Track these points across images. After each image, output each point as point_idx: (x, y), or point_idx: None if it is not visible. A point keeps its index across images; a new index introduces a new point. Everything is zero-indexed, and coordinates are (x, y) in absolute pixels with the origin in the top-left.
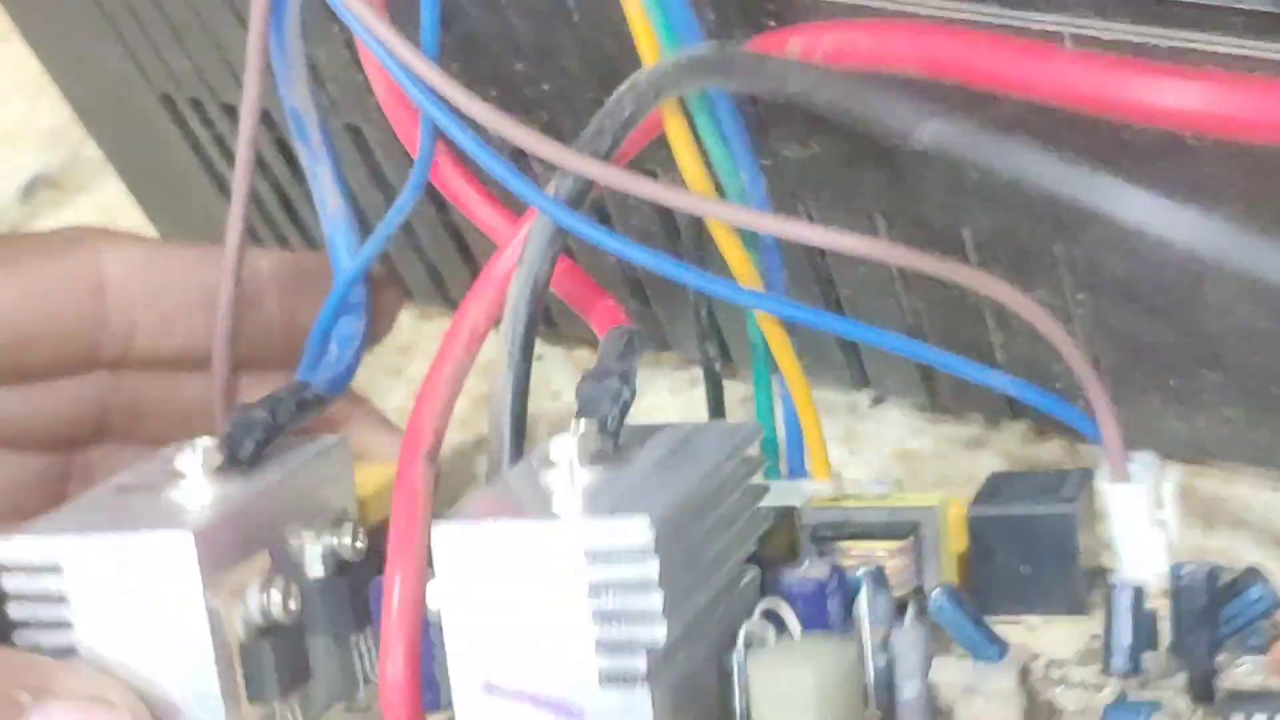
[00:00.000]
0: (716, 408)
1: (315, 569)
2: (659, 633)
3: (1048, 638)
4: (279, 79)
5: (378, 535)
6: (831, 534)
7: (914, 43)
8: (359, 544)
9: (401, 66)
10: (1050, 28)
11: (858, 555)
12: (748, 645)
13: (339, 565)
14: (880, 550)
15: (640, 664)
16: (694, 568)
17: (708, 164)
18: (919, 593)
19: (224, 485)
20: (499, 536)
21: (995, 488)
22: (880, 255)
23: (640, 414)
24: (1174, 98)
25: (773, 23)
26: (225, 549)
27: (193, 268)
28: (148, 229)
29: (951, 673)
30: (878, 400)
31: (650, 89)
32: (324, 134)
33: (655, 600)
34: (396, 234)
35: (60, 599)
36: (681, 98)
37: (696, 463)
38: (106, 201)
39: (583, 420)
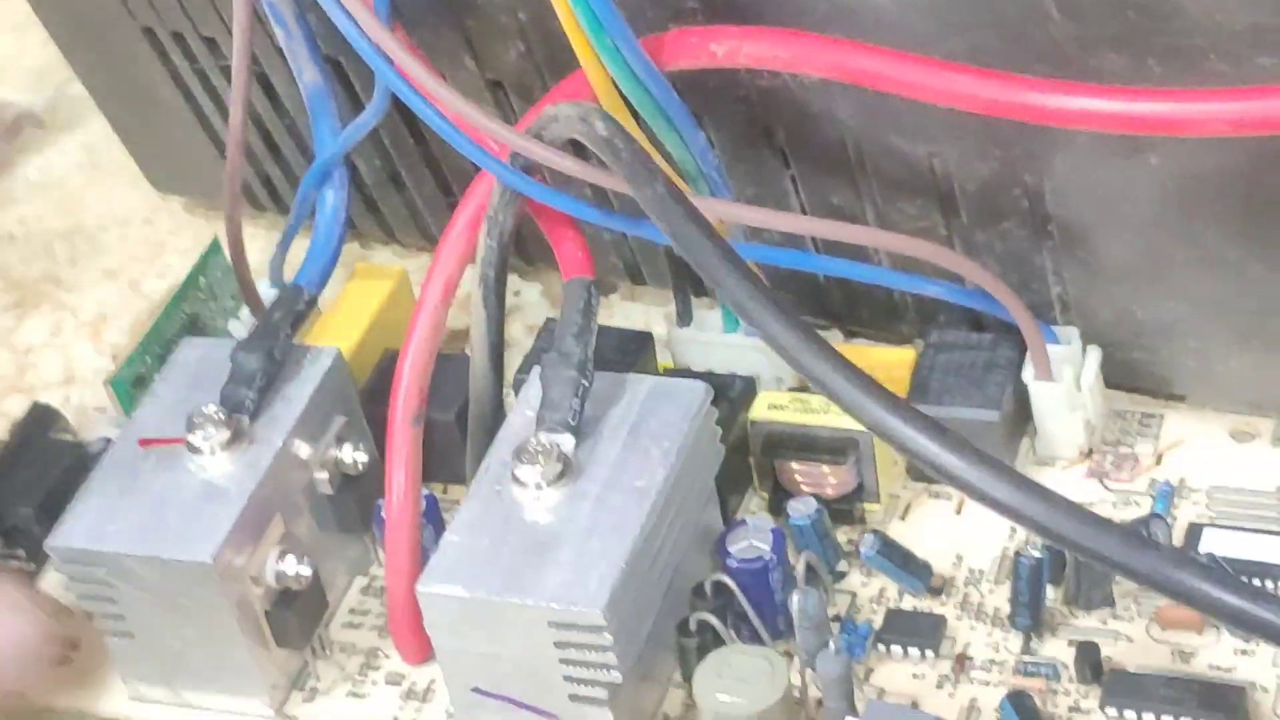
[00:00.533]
0: (683, 316)
1: (324, 489)
2: (614, 675)
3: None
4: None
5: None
6: (779, 451)
7: (826, 54)
8: (360, 456)
9: (361, 34)
10: None
11: (803, 474)
12: (700, 647)
13: (345, 479)
14: (824, 466)
15: (602, 693)
16: (652, 586)
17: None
18: (859, 492)
19: (237, 459)
20: (473, 608)
21: (924, 381)
22: (812, 230)
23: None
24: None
25: (697, 12)
26: (243, 543)
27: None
28: (130, 166)
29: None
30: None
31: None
32: (299, 19)
33: (610, 657)
34: (380, 175)
35: (109, 588)
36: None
37: (655, 463)
38: (90, 140)
39: (542, 436)
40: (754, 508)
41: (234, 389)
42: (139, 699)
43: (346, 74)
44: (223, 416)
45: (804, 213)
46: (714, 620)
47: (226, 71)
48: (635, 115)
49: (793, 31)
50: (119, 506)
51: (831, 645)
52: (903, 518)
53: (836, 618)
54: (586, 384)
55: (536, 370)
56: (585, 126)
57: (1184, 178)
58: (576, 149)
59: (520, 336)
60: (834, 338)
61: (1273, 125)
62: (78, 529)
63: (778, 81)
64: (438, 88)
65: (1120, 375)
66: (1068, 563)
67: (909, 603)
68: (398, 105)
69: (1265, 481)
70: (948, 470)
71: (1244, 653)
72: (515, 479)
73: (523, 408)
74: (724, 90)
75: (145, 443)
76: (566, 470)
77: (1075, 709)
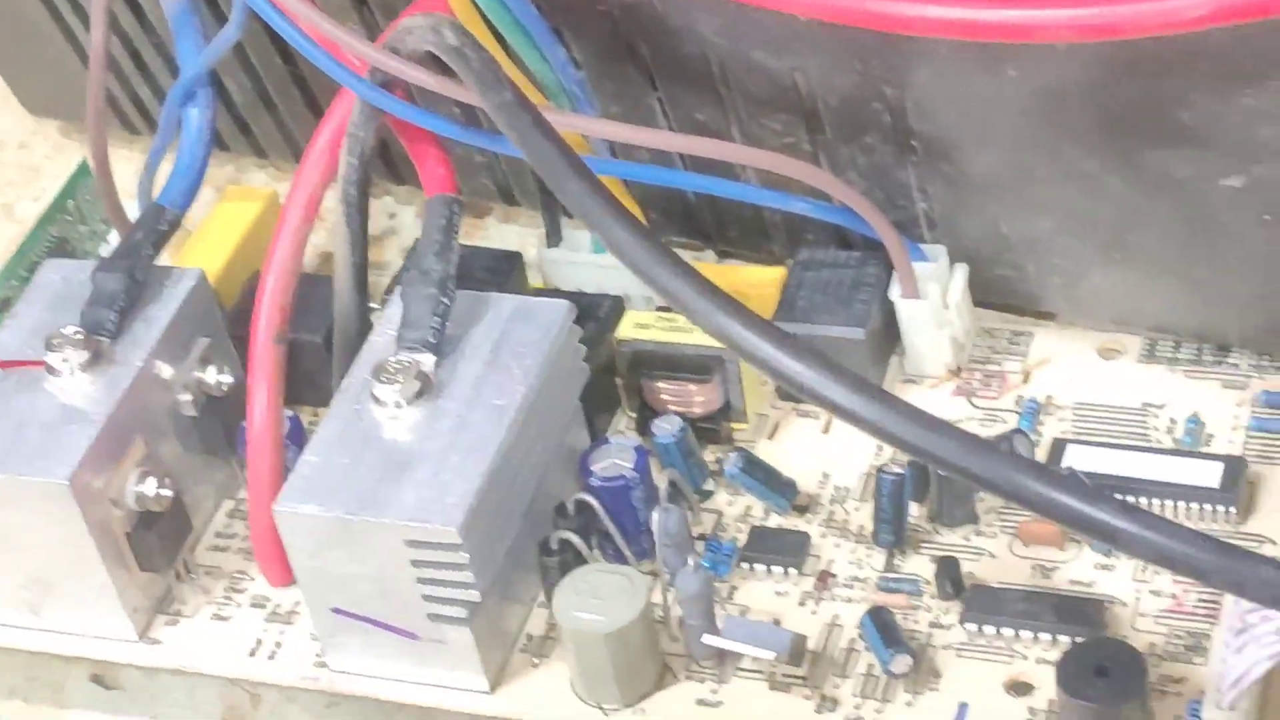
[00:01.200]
0: (553, 236)
1: (188, 410)
2: (473, 594)
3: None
4: None
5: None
6: (645, 370)
7: None
8: (225, 379)
9: None
10: None
11: (669, 393)
12: (562, 565)
13: (210, 401)
14: (690, 385)
15: (461, 612)
16: (505, 504)
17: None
18: (726, 411)
19: (97, 380)
20: (332, 526)
21: (791, 299)
22: (675, 145)
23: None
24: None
25: None
26: (101, 464)
27: None
28: (2, 88)
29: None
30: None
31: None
32: None
33: (467, 576)
34: (250, 95)
35: None
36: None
37: (507, 382)
38: None
39: (402, 355)
40: (623, 428)
41: (94, 310)
42: (3, 624)
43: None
44: (82, 338)
45: (670, 130)
46: (575, 539)
47: None
48: (494, 30)
49: None
50: None
51: (691, 562)
52: (770, 437)
53: (701, 536)
54: (447, 302)
55: (398, 290)
56: (436, 36)
57: (1041, 90)
58: (437, 64)
59: (395, 260)
60: (707, 258)
61: (1113, 31)
62: None
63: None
64: (295, 2)
65: (988, 293)
66: (931, 480)
67: (774, 521)
68: (263, 22)
69: (1130, 398)
70: (796, 382)
71: (1104, 568)
72: (374, 398)
73: (385, 327)
74: (586, 5)
75: (3, 365)
76: (426, 389)
77: (936, 624)
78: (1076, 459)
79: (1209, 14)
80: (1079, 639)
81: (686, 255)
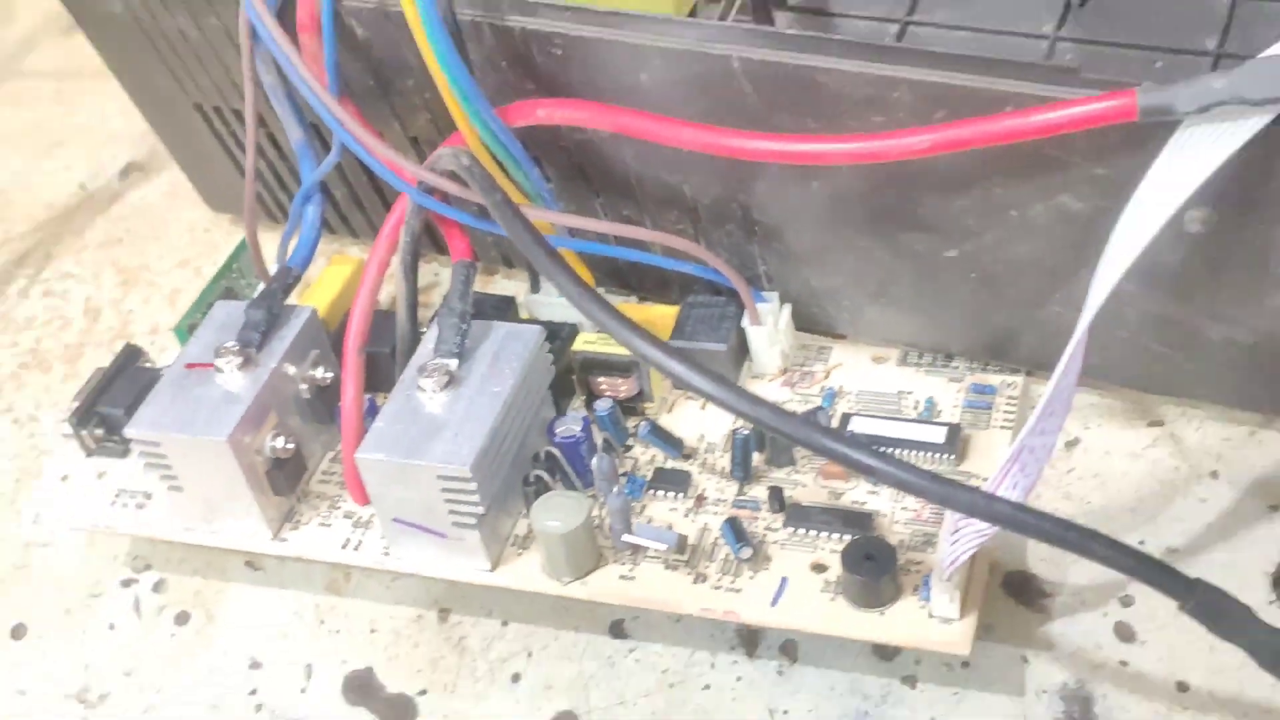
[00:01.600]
0: (535, 286)
1: (305, 395)
2: (479, 509)
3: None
4: (264, 83)
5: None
6: (590, 370)
7: (609, 117)
8: (327, 375)
9: (323, 106)
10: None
11: (605, 384)
12: (536, 491)
13: (318, 389)
14: (618, 379)
15: (472, 520)
16: (501, 452)
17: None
18: (641, 396)
19: (243, 377)
20: (398, 471)
21: (682, 325)
22: (609, 230)
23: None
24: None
25: (534, 90)
26: (248, 431)
27: None
28: (196, 195)
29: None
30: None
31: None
32: (289, 97)
33: (475, 498)
34: (346, 197)
35: (165, 458)
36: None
37: (504, 377)
38: (173, 179)
39: (436, 362)
40: (576, 406)
41: (246, 333)
42: (189, 530)
43: (320, 131)
44: (238, 350)
45: (605, 219)
46: (545, 475)
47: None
48: (494, 157)
49: (590, 102)
50: (171, 407)
51: (615, 489)
52: (669, 412)
53: (625, 474)
54: (465, 327)
55: (436, 319)
56: (456, 160)
57: (834, 195)
58: (459, 178)
59: (435, 301)
60: (631, 300)
61: (872, 157)
62: (143, 420)
63: (585, 135)
64: (372, 140)
65: (803, 322)
66: (765, 438)
67: (670, 465)
68: (352, 152)
69: (890, 387)
70: (676, 376)
71: (873, 493)
72: (419, 387)
73: (427, 342)
74: (551, 141)
75: (189, 366)
76: (451, 381)
77: (768, 529)
78: (858, 426)
79: (930, 147)
80: (856, 537)
81: (618, 298)
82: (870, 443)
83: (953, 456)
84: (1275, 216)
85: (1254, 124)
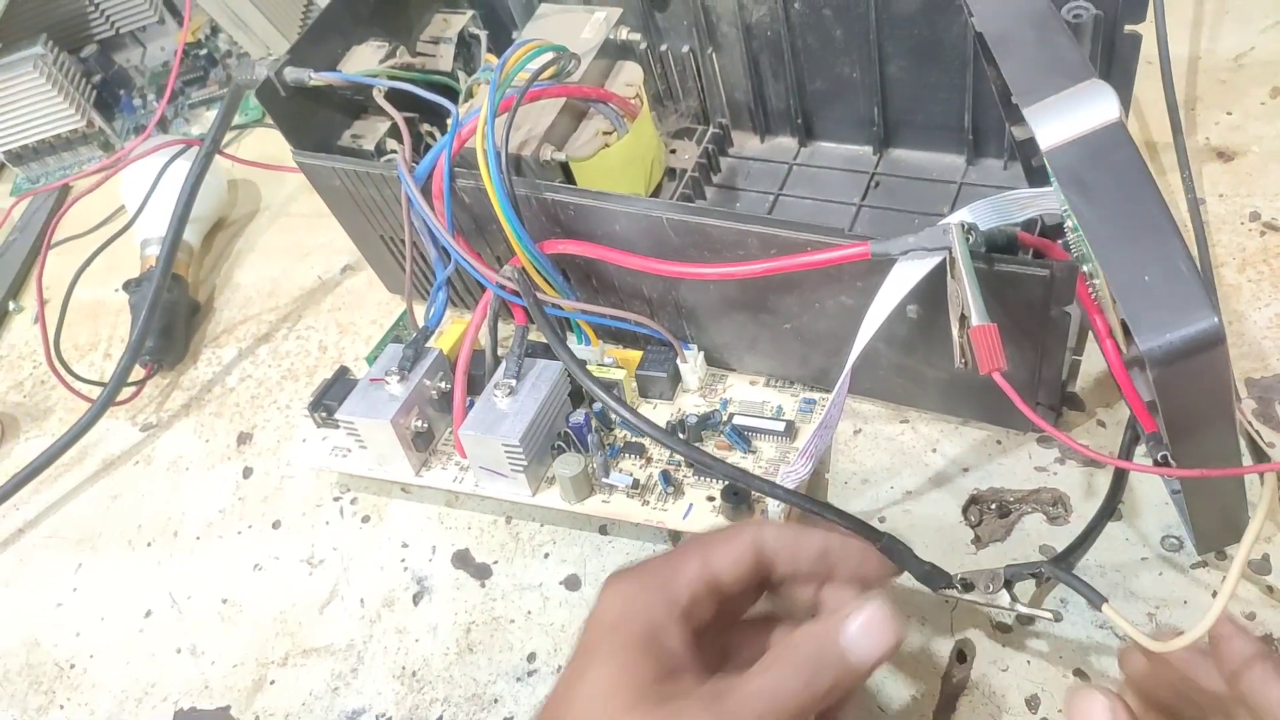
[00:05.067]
0: (560, 344)
1: (434, 396)
2: (524, 462)
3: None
4: (415, 226)
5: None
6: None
7: (598, 252)
8: (447, 386)
9: (445, 239)
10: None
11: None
12: (558, 452)
13: (441, 394)
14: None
15: (520, 467)
16: (538, 431)
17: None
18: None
19: (400, 387)
20: (482, 440)
21: (643, 364)
22: (602, 312)
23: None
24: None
25: (558, 231)
26: (402, 416)
27: (813, 539)
28: (380, 283)
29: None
30: (624, 346)
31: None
32: (429, 233)
33: (521, 455)
34: (459, 287)
35: (358, 432)
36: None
37: (540, 390)
38: (369, 275)
39: (504, 380)
40: (584, 409)
41: (399, 364)
42: (369, 469)
43: (446, 252)
44: (396, 372)
45: (602, 304)
46: (563, 444)
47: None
48: (537, 270)
49: (587, 242)
50: (362, 402)
51: (600, 453)
52: (635, 409)
53: (609, 444)
54: (520, 362)
55: (505, 357)
56: (514, 272)
57: (724, 294)
58: (515, 282)
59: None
60: (618, 346)
61: (738, 275)
62: (346, 409)
63: (587, 258)
64: (471, 259)
65: (711, 361)
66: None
67: (632, 439)
68: (460, 265)
69: (759, 399)
70: (616, 412)
71: (743, 458)
72: (494, 394)
73: (500, 370)
74: (570, 260)
75: (372, 380)
76: (512, 391)
77: (685, 477)
78: (739, 421)
79: (765, 270)
80: (729, 482)
81: (612, 345)
82: (744, 430)
83: (790, 439)
84: (944, 311)
85: (933, 260)
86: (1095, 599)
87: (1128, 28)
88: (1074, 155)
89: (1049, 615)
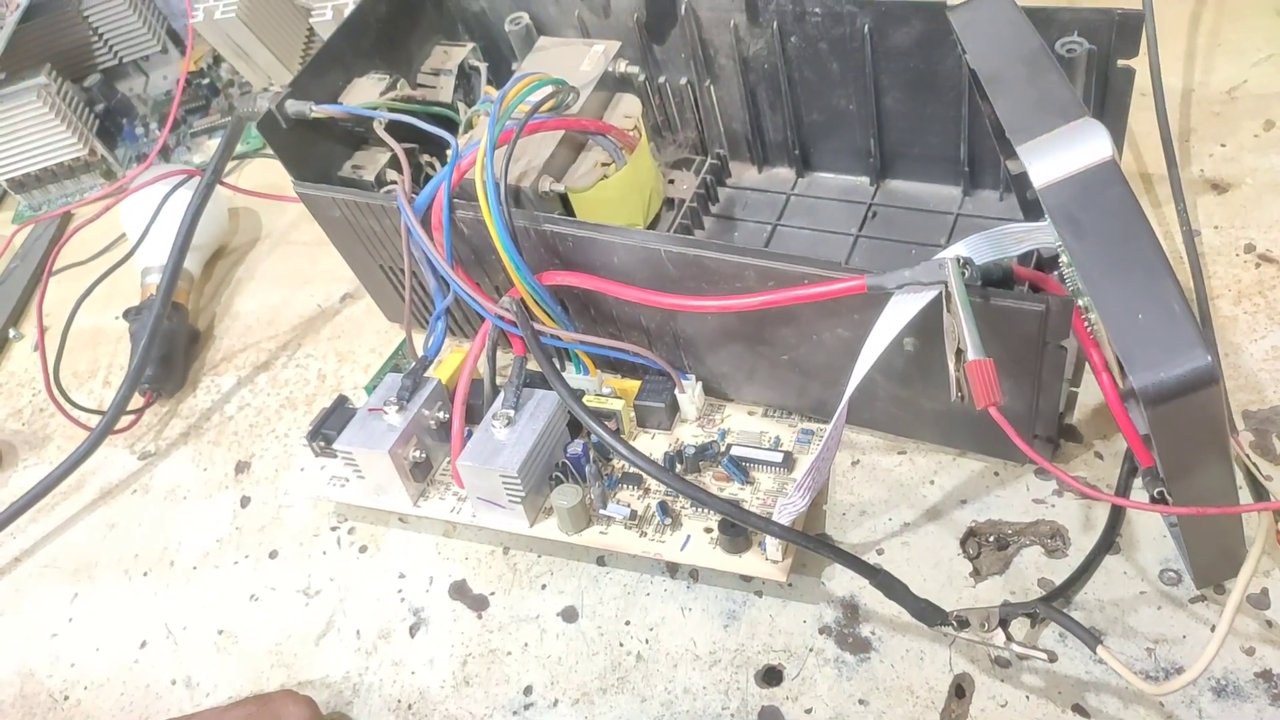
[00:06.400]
0: (557, 377)
1: (432, 426)
2: (522, 493)
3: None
4: (415, 256)
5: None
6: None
7: (596, 283)
8: (444, 415)
9: (444, 269)
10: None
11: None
12: (555, 483)
13: (439, 423)
14: (608, 422)
15: (518, 499)
16: (535, 462)
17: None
18: (619, 431)
19: (399, 417)
20: (479, 471)
21: (641, 394)
22: (600, 342)
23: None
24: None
25: (556, 263)
26: (400, 446)
27: None
28: (379, 313)
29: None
30: (623, 376)
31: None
32: (429, 264)
33: (519, 487)
34: (457, 316)
35: (356, 462)
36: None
37: (538, 421)
38: (368, 303)
39: (502, 411)
40: (582, 439)
41: (399, 394)
42: (366, 499)
43: (446, 283)
44: (395, 402)
45: (600, 335)
46: (561, 475)
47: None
48: (535, 301)
49: (585, 274)
50: (360, 432)
51: (598, 484)
52: (634, 439)
53: (606, 474)
54: (519, 392)
55: (504, 387)
56: (512, 303)
57: (720, 325)
58: (513, 313)
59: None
60: (617, 376)
61: (736, 308)
62: (345, 439)
63: (586, 290)
64: (470, 289)
65: (709, 391)
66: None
67: (629, 470)
68: (459, 294)
69: (757, 429)
70: (607, 443)
71: (740, 489)
72: (493, 424)
73: (498, 399)
74: (568, 291)
75: (371, 409)
76: (510, 422)
77: (682, 507)
78: (737, 451)
79: (762, 303)
80: (727, 514)
81: (610, 375)
82: (742, 461)
83: (787, 470)
84: (941, 344)
85: (929, 294)
86: (1089, 641)
87: (1121, 62)
88: (1067, 194)
89: (1043, 656)
